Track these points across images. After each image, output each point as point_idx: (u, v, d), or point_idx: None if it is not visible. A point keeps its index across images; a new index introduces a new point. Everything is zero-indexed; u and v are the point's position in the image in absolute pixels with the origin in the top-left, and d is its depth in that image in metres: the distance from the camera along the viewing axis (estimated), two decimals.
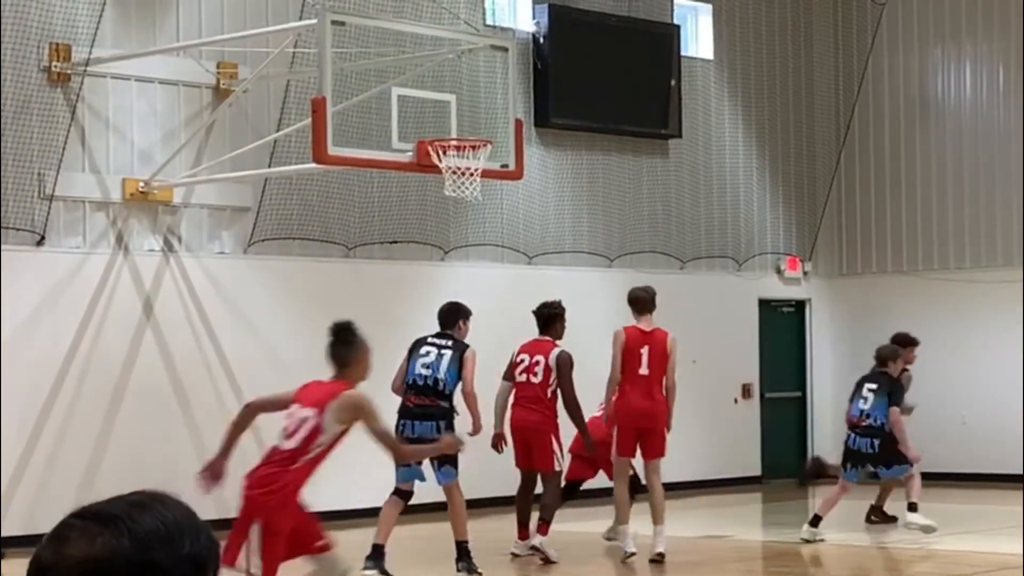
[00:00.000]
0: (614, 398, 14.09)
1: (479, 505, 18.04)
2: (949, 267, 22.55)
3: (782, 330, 23.29)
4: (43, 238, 16.03)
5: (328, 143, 14.06)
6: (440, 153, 14.66)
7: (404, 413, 13.14)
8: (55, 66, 15.97)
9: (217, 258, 17.34)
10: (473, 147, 14.91)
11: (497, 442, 14.25)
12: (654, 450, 14.08)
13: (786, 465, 23.04)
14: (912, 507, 15.53)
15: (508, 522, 15.03)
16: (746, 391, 22.45)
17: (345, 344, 9.44)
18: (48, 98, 16.02)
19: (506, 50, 16.11)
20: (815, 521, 15.48)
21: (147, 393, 16.50)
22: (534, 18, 20.06)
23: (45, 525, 2.23)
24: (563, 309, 14.50)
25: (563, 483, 14.63)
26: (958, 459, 21.72)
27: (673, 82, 21.33)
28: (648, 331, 14.06)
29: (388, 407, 12.86)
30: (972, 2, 22.45)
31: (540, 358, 14.21)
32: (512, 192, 19.60)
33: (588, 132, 20.70)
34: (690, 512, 18.61)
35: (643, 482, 14.53)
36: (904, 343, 16.91)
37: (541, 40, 20.03)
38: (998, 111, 22.26)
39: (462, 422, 13.26)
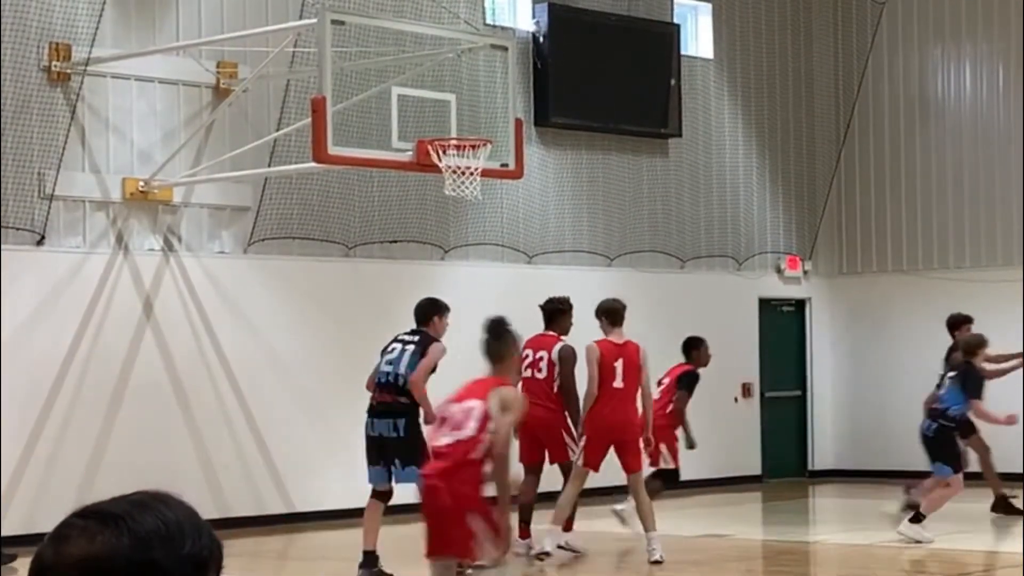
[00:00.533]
0: (589, 410, 14.03)
1: None
2: (949, 266, 22.56)
3: (782, 329, 23.30)
4: (43, 238, 16.03)
5: (328, 143, 14.06)
6: (440, 152, 14.65)
7: (368, 410, 13.00)
8: (55, 66, 15.97)
9: (217, 258, 17.34)
10: (473, 146, 14.91)
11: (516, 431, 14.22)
12: (632, 464, 13.93)
13: (786, 464, 23.06)
14: (917, 517, 15.03)
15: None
16: (746, 390, 22.45)
17: (495, 338, 9.57)
18: (48, 98, 16.02)
19: (506, 49, 16.11)
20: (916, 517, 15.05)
21: (147, 393, 16.50)
22: (534, 17, 20.06)
23: (45, 525, 2.23)
24: (570, 305, 14.49)
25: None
26: None
27: (673, 81, 21.33)
28: (620, 344, 13.97)
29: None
30: (972, 2, 22.45)
31: (543, 354, 14.21)
32: (512, 191, 19.60)
33: (588, 131, 20.70)
34: (690, 511, 18.61)
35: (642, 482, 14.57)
36: (958, 323, 17.04)
37: (541, 39, 20.03)
38: (998, 111, 22.26)
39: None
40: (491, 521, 9.18)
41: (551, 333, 14.34)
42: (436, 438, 9.36)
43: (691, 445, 15.88)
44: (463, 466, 9.15)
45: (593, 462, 14.01)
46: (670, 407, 15.65)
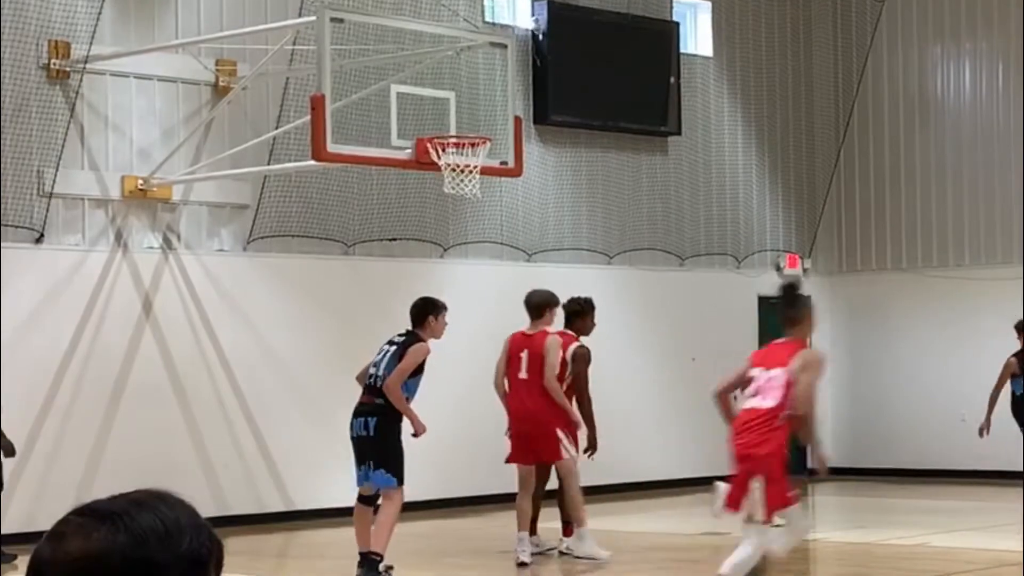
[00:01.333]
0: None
1: (475, 503, 18.05)
2: (948, 264, 22.56)
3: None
4: (42, 236, 16.02)
5: (327, 140, 14.05)
6: (439, 150, 14.65)
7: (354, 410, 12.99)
8: (54, 63, 15.96)
9: (216, 255, 17.34)
10: (472, 144, 14.91)
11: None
12: (548, 454, 13.74)
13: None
14: None
15: (507, 519, 15.00)
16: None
17: (790, 304, 9.81)
18: (47, 95, 16.01)
19: (505, 47, 16.10)
20: None
21: (146, 391, 16.50)
22: (533, 15, 20.06)
23: (45, 523, 2.22)
24: (592, 306, 14.40)
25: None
26: (957, 456, 21.74)
27: (672, 79, 21.33)
28: (530, 335, 13.81)
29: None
30: (972, 1, 22.45)
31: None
32: (511, 189, 19.60)
33: (587, 129, 20.70)
34: (690, 510, 18.61)
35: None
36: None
37: (540, 37, 20.02)
38: (998, 110, 22.26)
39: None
40: (770, 491, 9.74)
41: (569, 332, 14.29)
42: (744, 402, 9.71)
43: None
44: (769, 432, 9.75)
45: (516, 457, 13.87)
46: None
